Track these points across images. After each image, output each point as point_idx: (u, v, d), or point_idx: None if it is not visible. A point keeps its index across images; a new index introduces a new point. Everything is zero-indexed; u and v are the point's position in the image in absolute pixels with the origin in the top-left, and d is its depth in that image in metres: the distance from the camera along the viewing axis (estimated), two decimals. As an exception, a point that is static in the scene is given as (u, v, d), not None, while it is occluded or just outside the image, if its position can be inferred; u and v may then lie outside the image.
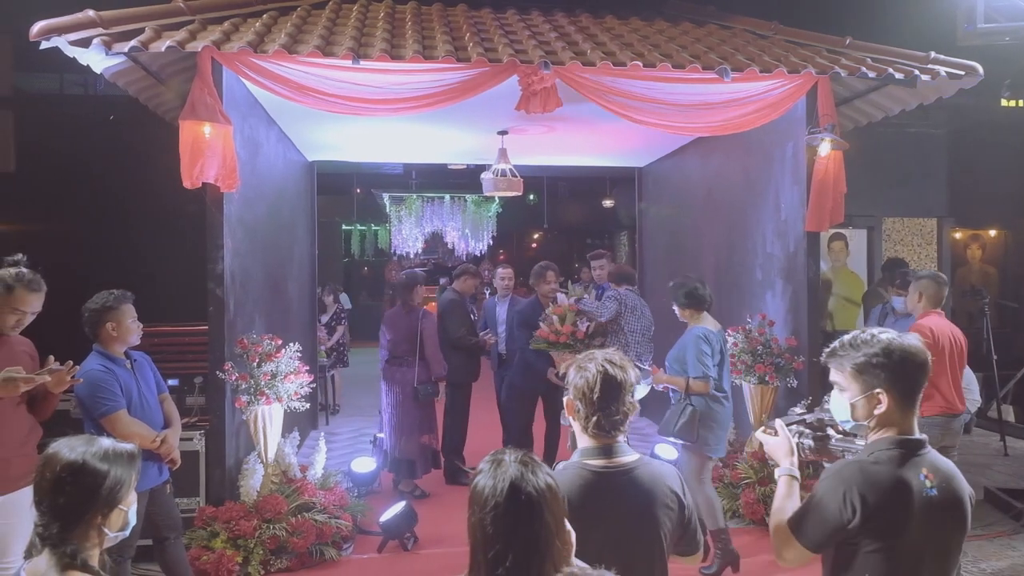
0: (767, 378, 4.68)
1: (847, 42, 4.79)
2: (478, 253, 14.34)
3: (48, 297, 3.04)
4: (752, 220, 5.50)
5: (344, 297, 15.66)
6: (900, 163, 7.69)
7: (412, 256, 14.72)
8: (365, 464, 5.20)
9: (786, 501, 1.86)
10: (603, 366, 1.81)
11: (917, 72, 4.35)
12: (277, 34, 4.09)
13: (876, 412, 1.73)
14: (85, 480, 1.57)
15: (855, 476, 1.70)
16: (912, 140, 7.79)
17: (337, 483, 4.59)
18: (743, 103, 4.55)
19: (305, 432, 6.95)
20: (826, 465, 1.95)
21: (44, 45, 3.53)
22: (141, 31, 3.77)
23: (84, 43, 3.55)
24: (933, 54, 4.49)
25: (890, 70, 4.35)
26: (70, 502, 1.56)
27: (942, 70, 4.38)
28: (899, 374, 1.72)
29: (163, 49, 3.66)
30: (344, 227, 17.15)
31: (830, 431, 1.90)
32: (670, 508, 1.84)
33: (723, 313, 5.92)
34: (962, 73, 4.42)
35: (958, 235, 8.65)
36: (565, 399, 1.91)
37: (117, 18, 3.77)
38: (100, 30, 3.64)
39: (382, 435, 5.47)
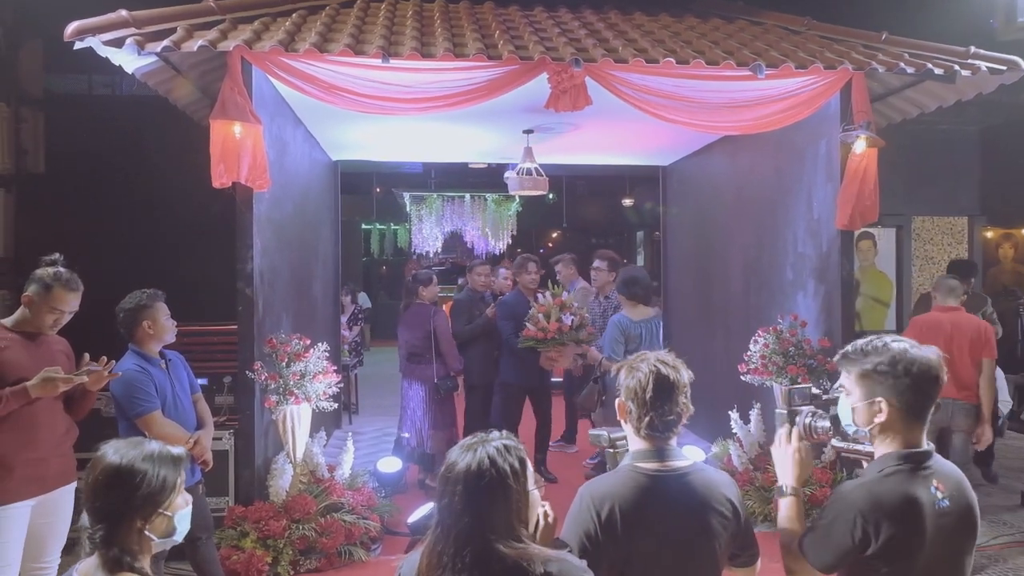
0: (799, 380, 4.60)
1: (883, 37, 4.69)
2: (497, 252, 14.32)
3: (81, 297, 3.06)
4: (782, 219, 5.42)
5: (363, 296, 15.72)
6: (930, 161, 7.54)
7: (431, 255, 14.72)
8: (391, 464, 5.19)
9: (795, 522, 1.85)
10: (655, 366, 1.79)
11: (957, 67, 4.24)
12: (307, 33, 4.08)
13: (876, 420, 1.70)
14: (121, 484, 1.54)
15: (865, 500, 1.66)
16: (943, 137, 7.63)
17: (365, 483, 4.58)
18: (775, 100, 4.47)
19: (329, 432, 6.96)
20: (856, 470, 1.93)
21: (78, 46, 3.54)
22: (173, 31, 3.77)
23: (117, 43, 3.55)
24: (973, 49, 4.38)
25: (929, 65, 4.24)
26: (106, 505, 1.54)
27: (983, 65, 4.27)
28: (903, 385, 1.68)
29: (195, 48, 3.66)
30: (364, 226, 17.21)
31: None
32: (725, 517, 1.79)
33: (751, 313, 5.86)
34: (1004, 68, 4.31)
35: (989, 234, 8.47)
36: (617, 401, 1.86)
37: (149, 18, 3.77)
38: (133, 30, 3.64)
39: (407, 435, 5.49)
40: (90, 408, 3.10)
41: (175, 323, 3.31)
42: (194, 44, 3.67)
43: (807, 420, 1.87)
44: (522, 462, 1.51)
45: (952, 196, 7.72)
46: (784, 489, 1.88)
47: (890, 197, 6.42)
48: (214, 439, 4.13)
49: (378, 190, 16.06)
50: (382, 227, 17.34)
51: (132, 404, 3.09)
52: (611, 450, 1.99)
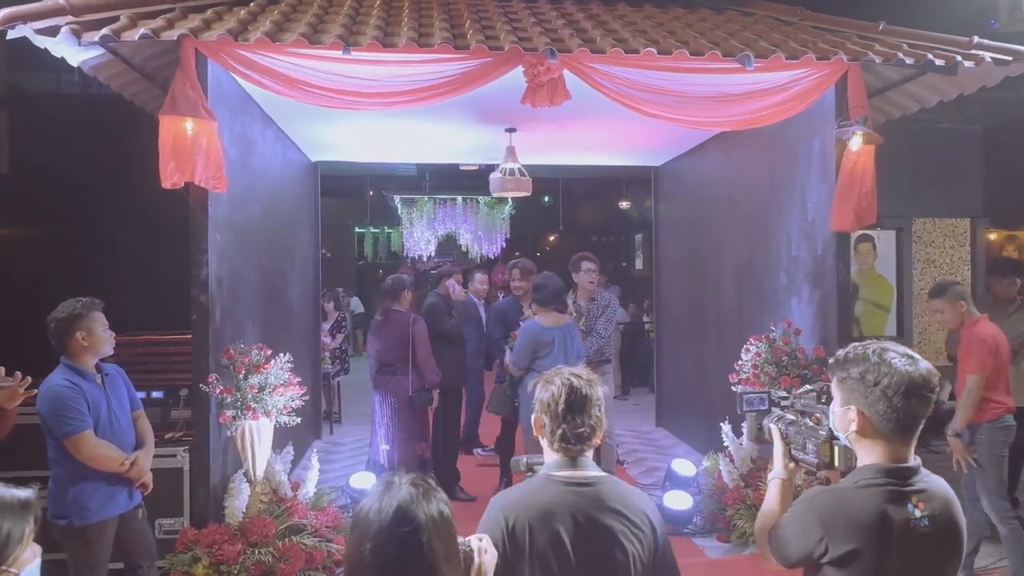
0: (793, 391, 4.33)
1: (880, 27, 4.43)
2: (492, 256, 14.06)
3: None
4: (775, 221, 5.15)
5: (356, 301, 15.38)
6: (931, 161, 7.27)
7: (425, 259, 14.48)
8: (365, 480, 4.93)
9: (774, 505, 1.87)
10: (568, 379, 1.84)
11: (959, 58, 3.98)
12: (263, 22, 3.83)
13: (851, 428, 1.67)
14: None
15: (828, 508, 1.64)
16: (944, 136, 7.36)
17: (331, 502, 4.32)
18: (766, 94, 4.21)
19: (308, 442, 6.70)
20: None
21: (11, 35, 3.29)
22: (116, 19, 3.52)
23: (51, 32, 3.29)
24: (976, 39, 4.11)
25: (929, 56, 3.98)
26: None
27: (987, 56, 4.00)
28: (873, 396, 1.62)
29: (136, 38, 3.40)
30: (357, 230, 16.98)
31: (807, 420, 1.89)
32: (639, 528, 1.78)
33: (743, 320, 5.60)
34: (1009, 59, 4.04)
35: (993, 236, 8.20)
36: (533, 416, 1.88)
37: (89, 5, 3.51)
38: (69, 18, 3.38)
39: (387, 447, 5.23)
40: (11, 426, 2.84)
41: (113, 334, 3.06)
42: (136, 33, 3.41)
43: (765, 422, 2.02)
44: (444, 501, 1.35)
45: (954, 197, 7.45)
46: (776, 473, 1.94)
47: (890, 198, 6.15)
48: (168, 456, 3.91)
49: (371, 193, 15.84)
50: (376, 231, 17.12)
51: (60, 423, 2.84)
52: (529, 474, 1.96)
